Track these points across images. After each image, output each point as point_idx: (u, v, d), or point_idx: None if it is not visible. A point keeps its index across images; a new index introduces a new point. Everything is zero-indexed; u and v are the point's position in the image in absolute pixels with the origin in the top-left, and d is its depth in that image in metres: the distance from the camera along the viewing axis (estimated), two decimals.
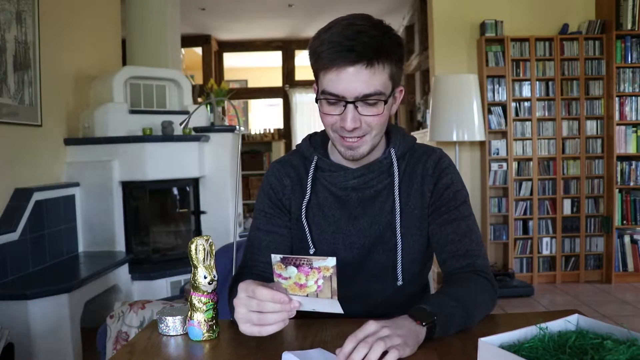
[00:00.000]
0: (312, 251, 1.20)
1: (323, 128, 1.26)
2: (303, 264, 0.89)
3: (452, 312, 0.96)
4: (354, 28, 1.03)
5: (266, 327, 0.91)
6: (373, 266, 1.19)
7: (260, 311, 0.90)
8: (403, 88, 1.15)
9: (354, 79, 1.03)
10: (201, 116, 4.04)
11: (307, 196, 1.20)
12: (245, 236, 1.30)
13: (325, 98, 1.06)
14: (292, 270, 0.90)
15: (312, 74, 1.12)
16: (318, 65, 1.06)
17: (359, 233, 1.18)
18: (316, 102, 1.10)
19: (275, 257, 0.91)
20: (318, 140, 1.25)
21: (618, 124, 4.22)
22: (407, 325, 0.90)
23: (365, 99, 1.04)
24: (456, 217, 1.15)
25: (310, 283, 0.89)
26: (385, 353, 0.83)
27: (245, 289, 0.92)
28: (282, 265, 0.91)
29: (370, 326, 0.87)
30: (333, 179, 1.19)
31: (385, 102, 1.07)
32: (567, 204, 4.36)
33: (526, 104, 4.33)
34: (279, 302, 0.89)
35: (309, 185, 1.20)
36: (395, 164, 1.18)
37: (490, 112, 4.34)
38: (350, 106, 1.05)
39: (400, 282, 1.17)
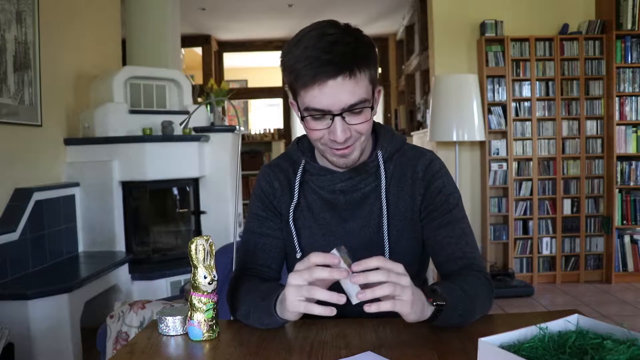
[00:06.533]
0: (298, 255, 1.20)
1: None
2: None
3: (457, 304, 0.97)
4: (327, 39, 1.01)
5: (313, 306, 0.90)
6: None
7: (310, 282, 0.91)
8: (381, 88, 1.15)
9: (338, 91, 1.01)
10: (201, 116, 4.04)
11: (295, 200, 1.20)
12: None
13: (310, 115, 1.05)
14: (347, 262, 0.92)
15: None
16: (297, 84, 1.04)
17: (349, 236, 1.18)
18: (302, 120, 1.08)
19: (339, 248, 0.93)
20: (306, 144, 1.25)
21: (618, 124, 4.23)
22: (420, 296, 0.91)
23: (351, 108, 1.03)
24: (450, 221, 1.15)
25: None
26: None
27: (301, 261, 0.93)
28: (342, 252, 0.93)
29: (400, 267, 0.89)
30: (320, 182, 1.19)
31: (372, 107, 1.07)
32: (567, 204, 4.36)
33: (526, 104, 4.33)
34: (331, 261, 0.90)
35: (296, 189, 1.20)
36: (382, 167, 1.17)
37: (490, 112, 4.34)
38: (337, 119, 1.03)
39: None
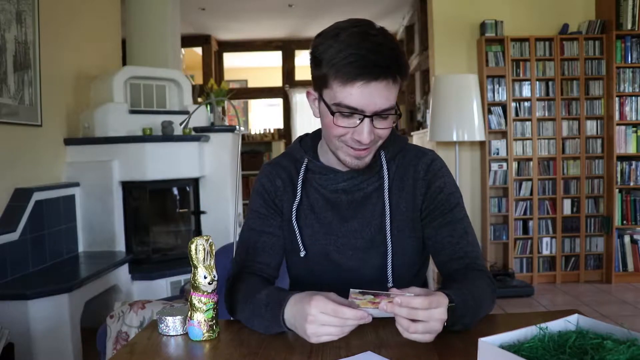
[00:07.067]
0: (302, 253, 1.20)
1: (315, 130, 1.25)
2: (381, 295, 0.91)
3: (465, 314, 0.96)
4: (372, 39, 1.01)
5: (342, 335, 0.93)
6: (368, 268, 1.19)
7: (341, 326, 0.91)
8: None
9: (376, 94, 1.01)
10: (201, 116, 4.04)
11: (298, 198, 1.20)
12: None
13: (340, 111, 1.03)
14: (369, 297, 0.92)
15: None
16: (335, 77, 1.01)
17: (351, 235, 1.18)
18: (332, 114, 1.04)
19: (354, 291, 0.93)
20: (308, 143, 1.24)
21: (618, 124, 4.23)
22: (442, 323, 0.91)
23: (382, 113, 1.03)
24: (451, 220, 1.15)
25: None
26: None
27: (322, 307, 0.90)
28: (359, 294, 0.93)
29: (438, 313, 0.88)
30: (323, 181, 1.19)
31: (399, 115, 1.07)
32: (567, 204, 4.36)
33: (526, 104, 4.33)
34: (361, 319, 0.90)
35: (299, 188, 1.20)
36: (384, 167, 1.17)
37: (490, 112, 4.34)
38: (367, 120, 1.03)
39: (390, 284, 1.17)
